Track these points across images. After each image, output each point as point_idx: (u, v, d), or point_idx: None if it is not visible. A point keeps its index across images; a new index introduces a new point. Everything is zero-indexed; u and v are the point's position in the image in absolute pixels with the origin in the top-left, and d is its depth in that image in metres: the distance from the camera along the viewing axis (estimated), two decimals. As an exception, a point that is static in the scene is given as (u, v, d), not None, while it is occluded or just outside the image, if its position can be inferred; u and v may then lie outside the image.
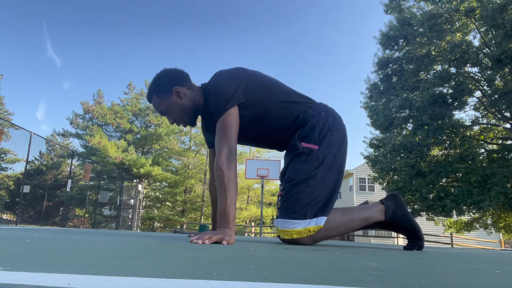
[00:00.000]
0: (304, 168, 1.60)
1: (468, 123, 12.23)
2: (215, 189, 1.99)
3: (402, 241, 15.26)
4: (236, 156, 1.53)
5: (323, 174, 1.60)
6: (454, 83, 11.72)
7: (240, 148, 25.02)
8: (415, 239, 1.73)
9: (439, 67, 12.35)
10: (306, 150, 1.62)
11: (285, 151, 1.82)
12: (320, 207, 1.57)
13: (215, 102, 1.60)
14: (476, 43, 11.86)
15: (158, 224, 21.89)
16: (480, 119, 12.82)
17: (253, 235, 19.03)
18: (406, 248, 1.75)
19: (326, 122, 1.67)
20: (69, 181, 11.98)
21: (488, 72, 11.15)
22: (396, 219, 1.71)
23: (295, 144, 1.66)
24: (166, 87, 1.72)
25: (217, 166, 1.48)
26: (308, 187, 1.57)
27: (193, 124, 1.82)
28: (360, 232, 16.67)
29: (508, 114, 11.50)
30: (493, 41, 10.88)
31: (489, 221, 13.59)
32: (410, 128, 12.56)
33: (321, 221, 1.56)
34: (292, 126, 1.70)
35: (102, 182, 18.09)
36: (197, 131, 24.56)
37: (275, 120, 1.70)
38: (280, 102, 1.69)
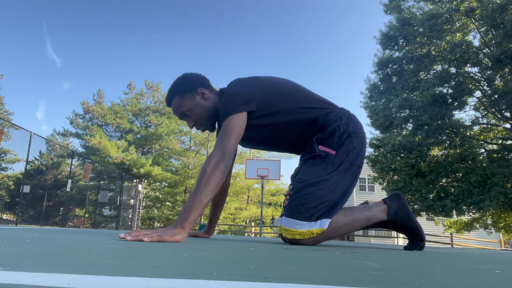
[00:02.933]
0: (318, 171, 1.58)
1: (468, 123, 12.23)
2: (218, 192, 1.98)
3: (402, 241, 15.25)
4: (228, 161, 1.45)
5: (336, 179, 1.58)
6: (454, 83, 11.73)
7: (240, 148, 24.99)
8: (417, 240, 1.72)
9: (439, 67, 12.36)
10: (323, 153, 1.60)
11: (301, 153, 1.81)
12: (326, 210, 1.56)
13: (224, 105, 1.57)
14: (476, 43, 11.88)
15: (158, 224, 21.90)
16: (480, 119, 12.83)
17: (253, 235, 19.03)
18: (406, 248, 1.74)
19: (347, 128, 1.65)
20: (69, 181, 11.98)
21: (488, 72, 11.16)
22: (398, 219, 1.70)
23: (312, 147, 1.63)
24: (191, 87, 1.67)
25: (204, 164, 1.43)
26: (319, 190, 1.55)
27: (212, 128, 1.78)
28: (360, 232, 16.67)
29: (508, 114, 11.51)
30: (493, 41, 10.89)
31: (489, 221, 13.59)
32: (410, 128, 12.57)
33: (325, 223, 1.56)
34: (312, 130, 1.68)
35: (102, 182, 18.09)
36: (197, 131, 24.55)
37: (295, 126, 1.68)
38: (299, 108, 1.66)
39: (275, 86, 1.69)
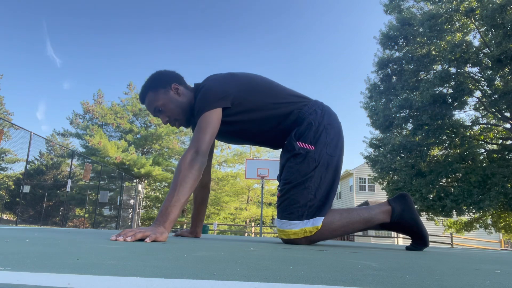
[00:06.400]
0: (301, 169, 1.59)
1: (468, 123, 12.24)
2: (197, 189, 2.05)
3: (402, 241, 15.25)
4: (203, 159, 1.45)
5: (320, 174, 1.58)
6: (454, 83, 11.72)
7: (240, 148, 25.04)
8: (420, 243, 1.68)
9: (439, 67, 12.36)
10: (303, 151, 1.60)
11: (281, 149, 1.79)
12: (317, 207, 1.56)
13: (200, 101, 1.58)
14: (476, 43, 11.88)
15: (158, 224, 21.89)
16: (480, 119, 12.83)
17: (253, 235, 19.03)
18: (408, 248, 1.71)
19: (322, 120, 1.65)
20: (69, 181, 11.97)
21: (488, 72, 11.15)
22: (403, 221, 1.65)
23: (292, 144, 1.63)
24: (165, 83, 1.68)
25: (179, 163, 1.43)
26: (305, 188, 1.56)
27: (188, 124, 1.78)
28: (360, 232, 16.66)
29: (508, 114, 11.50)
30: (493, 41, 10.88)
31: (489, 221, 13.59)
32: (410, 128, 12.57)
33: (318, 221, 1.55)
34: (287, 124, 1.68)
35: (102, 182, 18.08)
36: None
37: (270, 121, 1.68)
38: (273, 104, 1.67)
39: (250, 82, 1.69)
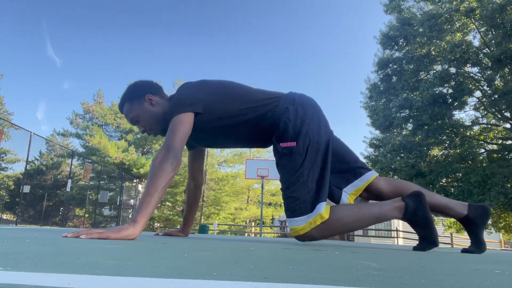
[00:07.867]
0: (291, 168, 1.62)
1: (468, 123, 12.24)
2: (191, 190, 2.15)
3: (402, 241, 15.25)
4: (175, 156, 1.45)
5: (309, 166, 1.61)
6: (454, 83, 11.72)
7: (240, 148, 25.04)
8: (429, 243, 1.66)
9: (439, 67, 12.36)
10: (286, 150, 1.63)
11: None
12: (314, 195, 1.58)
13: (170, 108, 1.62)
14: (476, 43, 11.88)
15: (158, 224, 21.88)
16: (480, 119, 12.83)
17: (253, 235, 19.03)
18: (415, 248, 1.69)
19: (297, 115, 1.66)
20: (69, 181, 11.97)
21: (488, 72, 11.15)
22: (416, 219, 1.63)
23: (276, 148, 1.69)
24: (139, 94, 1.75)
25: (153, 161, 1.44)
26: (301, 184, 1.59)
27: (164, 133, 1.80)
28: (360, 232, 16.67)
29: (508, 114, 11.50)
30: (493, 41, 10.89)
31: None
32: (410, 128, 12.57)
33: (320, 208, 1.56)
34: (264, 127, 1.71)
35: (102, 182, 18.08)
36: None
37: (245, 126, 1.72)
38: (246, 109, 1.69)
39: (221, 89, 1.73)
